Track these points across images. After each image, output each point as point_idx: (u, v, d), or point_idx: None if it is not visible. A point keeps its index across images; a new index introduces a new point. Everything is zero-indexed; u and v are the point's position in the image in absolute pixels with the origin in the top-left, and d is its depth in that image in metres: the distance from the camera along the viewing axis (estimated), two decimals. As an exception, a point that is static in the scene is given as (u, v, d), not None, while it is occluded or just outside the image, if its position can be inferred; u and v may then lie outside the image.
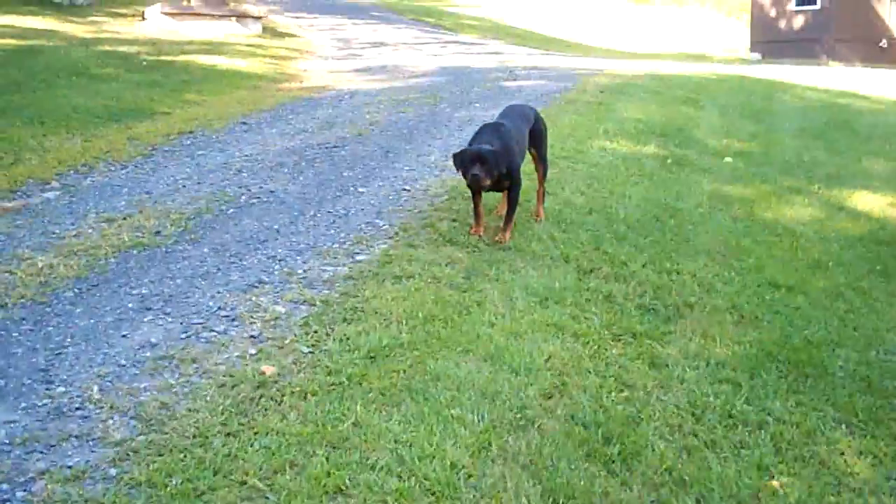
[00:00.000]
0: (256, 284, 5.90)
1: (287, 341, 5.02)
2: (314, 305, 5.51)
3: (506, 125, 6.99)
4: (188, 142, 10.65)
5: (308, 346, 4.96)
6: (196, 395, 4.42)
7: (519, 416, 4.50)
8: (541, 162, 7.58)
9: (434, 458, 4.03)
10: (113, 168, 9.29)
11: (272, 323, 5.27)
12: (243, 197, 8.08)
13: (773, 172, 10.88)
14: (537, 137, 7.47)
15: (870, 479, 4.41)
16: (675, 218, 8.17)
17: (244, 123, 12.02)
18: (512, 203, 6.93)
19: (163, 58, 17.96)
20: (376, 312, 5.40)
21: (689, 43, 39.29)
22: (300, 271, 6.11)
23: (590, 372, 5.04)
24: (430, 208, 7.58)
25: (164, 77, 15.85)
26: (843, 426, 4.87)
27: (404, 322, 5.30)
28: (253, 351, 4.90)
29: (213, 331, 5.18)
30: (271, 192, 8.24)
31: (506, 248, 6.73)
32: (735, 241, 7.82)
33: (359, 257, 6.37)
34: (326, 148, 10.11)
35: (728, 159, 11.17)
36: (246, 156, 9.80)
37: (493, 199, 7.46)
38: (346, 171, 9.02)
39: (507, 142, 6.76)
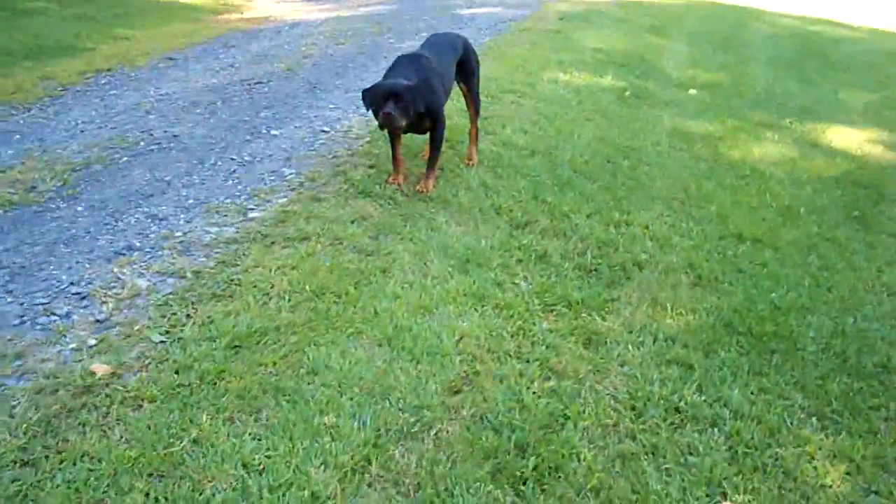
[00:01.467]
0: (125, 251, 4.96)
1: (137, 327, 4.09)
2: (183, 278, 4.58)
3: (426, 56, 6.01)
4: (104, 81, 9.62)
5: (161, 334, 4.04)
6: (1, 406, 3.46)
7: (413, 419, 3.60)
8: (472, 98, 6.62)
9: (291, 487, 3.12)
10: (14, 111, 8.26)
11: (127, 302, 4.34)
12: (142, 143, 7.10)
13: (742, 106, 9.97)
14: (467, 70, 6.49)
15: (845, 494, 3.51)
16: (630, 159, 7.26)
17: (171, 59, 10.97)
18: (435, 147, 5.99)
19: (100, -11, 16.78)
20: (254, 286, 4.48)
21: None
22: (179, 234, 5.16)
23: (510, 356, 4.13)
24: (346, 153, 6.63)
25: (97, 11, 14.73)
26: (814, 419, 4.00)
27: (286, 298, 4.39)
28: (92, 342, 3.97)
29: (55, 314, 4.24)
30: (175, 136, 7.24)
31: (428, 200, 5.81)
32: (696, 186, 6.91)
33: (251, 214, 5.43)
34: (249, 85, 9.11)
35: (693, 91, 10.23)
36: (162, 95, 8.79)
37: (419, 143, 6.46)
38: (263, 110, 8.02)
39: (426, 76, 5.79)
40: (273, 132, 7.26)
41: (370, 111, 5.70)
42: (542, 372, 4.10)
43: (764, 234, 6.19)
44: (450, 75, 6.24)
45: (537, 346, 4.29)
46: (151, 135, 7.27)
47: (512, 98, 8.51)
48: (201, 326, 4.09)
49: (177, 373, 3.74)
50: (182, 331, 4.06)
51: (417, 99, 5.56)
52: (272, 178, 6.13)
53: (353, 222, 5.34)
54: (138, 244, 5.06)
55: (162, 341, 3.99)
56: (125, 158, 6.66)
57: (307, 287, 4.48)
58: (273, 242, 5.01)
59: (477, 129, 6.67)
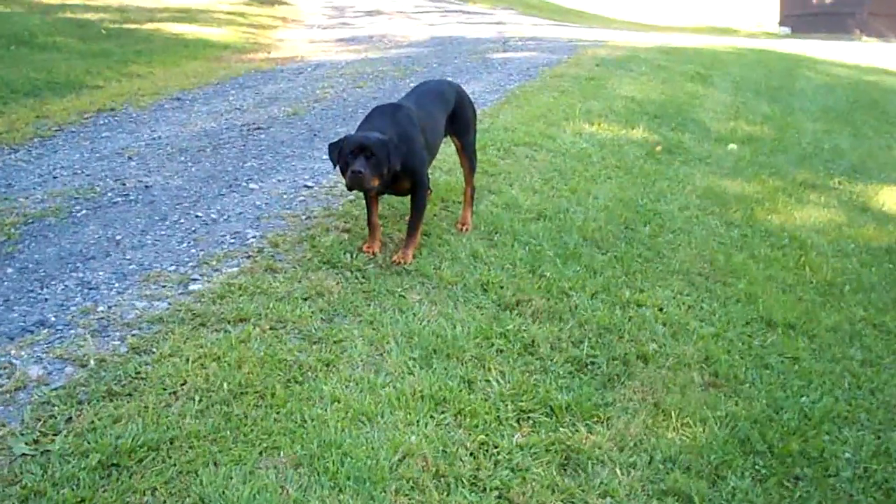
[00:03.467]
0: (34, 327, 4.24)
1: (2, 433, 3.28)
2: (84, 367, 3.82)
3: (406, 107, 5.22)
4: (103, 121, 9.04)
5: (27, 444, 3.27)
6: None
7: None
8: (466, 155, 5.83)
9: None
10: None
11: (6, 397, 3.58)
12: (110, 193, 6.43)
13: (785, 163, 9.06)
14: (460, 123, 5.71)
15: None
16: (651, 225, 6.40)
17: (178, 100, 10.40)
18: (416, 212, 5.21)
19: (127, 26, 16.42)
20: (162, 382, 3.70)
21: (717, 17, 37.17)
22: (102, 308, 4.43)
23: (462, 483, 3.31)
24: (323, 213, 5.86)
25: (118, 47, 14.27)
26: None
27: (196, 399, 3.60)
28: (-58, 452, 3.17)
29: (-85, 411, 3.46)
30: (147, 187, 6.57)
31: (404, 273, 5.03)
32: (724, 257, 6.05)
33: (192, 287, 4.67)
34: (247, 130, 8.44)
35: (732, 146, 9.34)
36: (153, 139, 8.17)
37: (407, 202, 5.66)
38: (251, 160, 7.32)
39: (405, 129, 5.02)
40: (251, 185, 6.53)
41: (336, 168, 4.91)
42: (499, 508, 3.23)
43: (799, 318, 5.32)
44: (437, 129, 5.45)
45: (500, 469, 3.45)
46: (123, 184, 6.61)
47: (526, 152, 7.71)
48: (77, 436, 3.31)
49: (24, 502, 2.93)
50: (53, 441, 3.27)
51: (392, 155, 4.78)
52: (232, 240, 5.38)
53: (305, 300, 4.56)
54: (53, 319, 4.34)
55: (25, 454, 3.20)
56: (84, 211, 6.00)
57: (225, 385, 3.69)
58: (203, 324, 4.24)
59: (473, 188, 5.87)
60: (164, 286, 4.71)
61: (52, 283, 4.83)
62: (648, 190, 7.24)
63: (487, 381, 4.06)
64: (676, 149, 8.81)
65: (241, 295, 4.54)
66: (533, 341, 4.47)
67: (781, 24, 33.44)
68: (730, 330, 5.00)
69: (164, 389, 3.66)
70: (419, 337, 4.30)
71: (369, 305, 4.60)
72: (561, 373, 4.23)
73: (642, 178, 7.55)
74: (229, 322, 4.26)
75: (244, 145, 7.90)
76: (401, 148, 4.86)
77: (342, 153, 4.78)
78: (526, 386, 4.05)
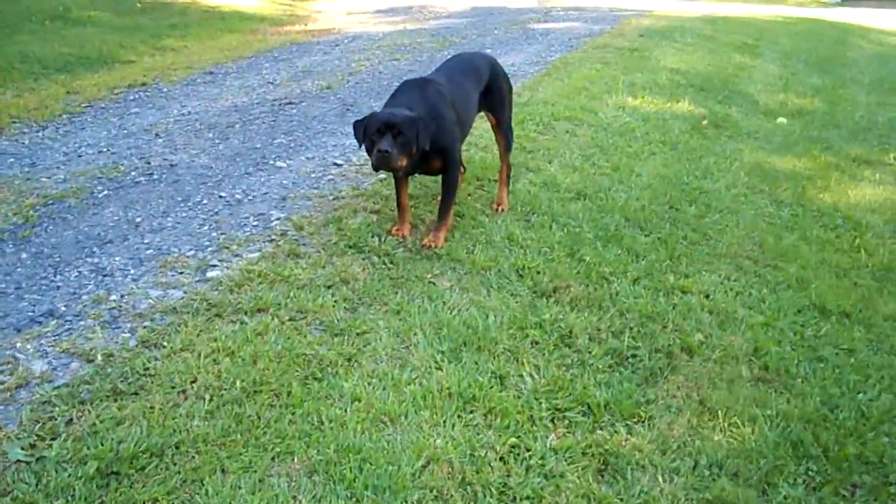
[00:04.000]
0: (42, 318, 4.03)
1: None
2: (90, 362, 3.59)
3: (436, 82, 4.93)
4: (133, 97, 8.85)
5: (23, 448, 3.04)
6: None
7: None
8: (502, 132, 5.53)
9: None
10: (27, 130, 7.55)
11: (6, 396, 3.36)
12: (133, 172, 6.22)
13: (838, 138, 8.66)
14: (495, 98, 5.41)
15: None
16: (696, 205, 6.07)
17: (210, 74, 10.19)
18: (448, 192, 4.93)
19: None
20: (171, 379, 3.47)
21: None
22: (115, 297, 4.21)
23: (491, 491, 3.03)
24: (351, 193, 5.61)
25: (152, 21, 14.09)
26: None
27: (207, 398, 3.35)
28: (-69, 454, 2.97)
29: None
30: (172, 165, 6.35)
31: (435, 257, 4.75)
32: (774, 239, 5.70)
33: (210, 273, 4.44)
34: (278, 105, 8.22)
35: (781, 120, 8.95)
36: (182, 115, 7.97)
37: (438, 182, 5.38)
38: (281, 136, 7.08)
39: (435, 106, 4.73)
40: (279, 164, 6.29)
41: (363, 148, 4.63)
42: (530, 522, 2.97)
43: (854, 305, 4.98)
44: (469, 105, 5.15)
45: (532, 476, 3.18)
46: (148, 163, 6.39)
47: (567, 126, 7.39)
48: (77, 440, 3.08)
49: (13, 517, 2.71)
50: (51, 446, 3.04)
51: (421, 133, 4.50)
52: (255, 223, 5.14)
53: (328, 288, 4.30)
54: (63, 308, 4.12)
55: (20, 460, 2.97)
56: (105, 192, 5.79)
57: (238, 382, 3.45)
58: (219, 315, 4.00)
59: (509, 167, 5.58)
60: (181, 273, 4.48)
61: (67, 269, 4.62)
62: (694, 167, 6.91)
63: (521, 376, 3.79)
64: (723, 123, 8.46)
65: (260, 283, 4.30)
66: (570, 332, 4.18)
67: (832, -9, 32.50)
68: (780, 319, 4.68)
69: (173, 388, 3.43)
70: (448, 328, 4.03)
71: (396, 293, 4.34)
72: (600, 367, 3.94)
73: (688, 155, 7.22)
74: (246, 313, 4.02)
75: (274, 121, 7.66)
76: (430, 126, 4.57)
77: (368, 131, 4.50)
78: (562, 381, 3.76)
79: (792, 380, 4.10)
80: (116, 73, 10.21)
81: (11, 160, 6.65)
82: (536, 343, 4.07)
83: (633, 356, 4.08)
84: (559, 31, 13.39)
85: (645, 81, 9.54)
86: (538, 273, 4.73)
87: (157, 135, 7.30)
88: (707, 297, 4.78)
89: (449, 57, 5.69)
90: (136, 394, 3.39)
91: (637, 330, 4.30)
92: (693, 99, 9.07)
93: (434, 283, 4.48)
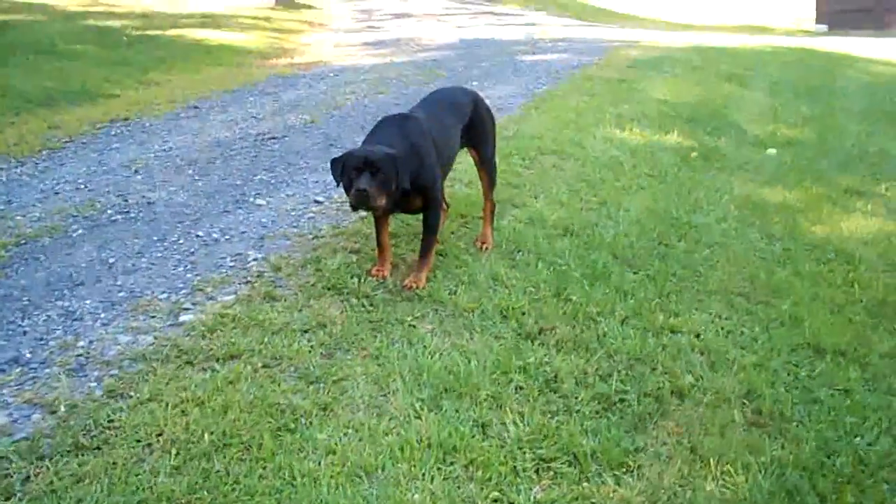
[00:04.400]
0: (6, 366, 3.88)
1: None
2: (53, 413, 3.44)
3: (416, 118, 4.79)
4: (115, 132, 8.73)
5: (-26, 513, 2.82)
6: None
7: None
8: (485, 168, 5.40)
9: None
10: (4, 166, 7.55)
11: (-39, 452, 3.16)
12: (110, 210, 6.08)
13: (829, 168, 8.57)
14: (477, 132, 5.28)
15: None
16: (686, 240, 5.94)
17: (195, 108, 10.07)
18: (429, 232, 4.79)
19: (150, 32, 16.16)
20: (136, 432, 3.30)
21: (754, 15, 36.34)
22: (83, 343, 4.07)
23: (469, 555, 2.83)
24: (331, 231, 5.47)
25: (138, 54, 14.00)
26: None
27: (173, 452, 3.19)
28: None
29: None
30: (149, 203, 6.21)
31: (416, 298, 4.61)
32: (766, 275, 5.58)
33: (182, 318, 4.29)
34: (261, 140, 8.09)
35: (771, 151, 8.85)
36: (163, 150, 7.84)
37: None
38: (262, 172, 6.95)
39: (415, 142, 4.60)
40: (259, 201, 6.16)
41: (340, 186, 4.49)
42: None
43: (849, 343, 4.84)
44: (451, 141, 5.03)
45: (513, 536, 2.98)
46: (126, 200, 6.26)
47: (553, 160, 7.27)
48: (33, 500, 2.91)
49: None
50: (3, 510, 2.86)
51: (401, 171, 4.36)
52: (232, 264, 5.00)
53: (305, 332, 4.15)
54: (28, 355, 3.98)
55: (-29, 525, 2.80)
56: (80, 231, 5.66)
57: (207, 435, 3.29)
58: (189, 362, 3.84)
59: (493, 203, 5.45)
60: (153, 317, 4.33)
61: (35, 312, 4.47)
62: (683, 200, 6.78)
63: (504, 423, 3.63)
64: (712, 155, 8.34)
65: (233, 328, 4.15)
66: (556, 376, 4.03)
67: (818, 21, 32.58)
68: (774, 358, 4.53)
69: (138, 441, 3.26)
70: (429, 374, 3.88)
71: (375, 337, 4.19)
72: (587, 412, 3.79)
73: (677, 188, 7.09)
74: (218, 360, 3.86)
75: (255, 156, 7.53)
76: (410, 163, 4.44)
77: (345, 169, 4.36)
78: (547, 429, 3.61)
79: (787, 424, 3.94)
80: (99, 108, 10.09)
81: (-13, 198, 6.50)
82: (521, 388, 3.92)
83: (622, 401, 3.92)
84: (547, 62, 13.32)
85: (633, 113, 9.44)
86: (523, 314, 4.58)
87: (136, 171, 7.17)
88: (698, 336, 4.64)
89: (431, 91, 5.56)
90: (98, 448, 3.22)
91: (625, 373, 4.15)
92: (682, 130, 8.96)
93: (415, 326, 4.33)
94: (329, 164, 4.56)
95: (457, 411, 3.65)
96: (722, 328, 4.79)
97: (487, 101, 5.61)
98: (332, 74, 12.55)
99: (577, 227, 5.83)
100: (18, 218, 5.98)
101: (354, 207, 4.42)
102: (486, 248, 5.33)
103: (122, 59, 13.51)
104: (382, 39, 17.48)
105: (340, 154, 4.57)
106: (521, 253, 5.36)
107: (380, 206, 4.37)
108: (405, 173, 4.38)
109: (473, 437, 3.50)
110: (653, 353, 4.37)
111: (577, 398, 3.89)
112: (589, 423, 3.71)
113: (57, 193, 6.62)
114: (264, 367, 3.84)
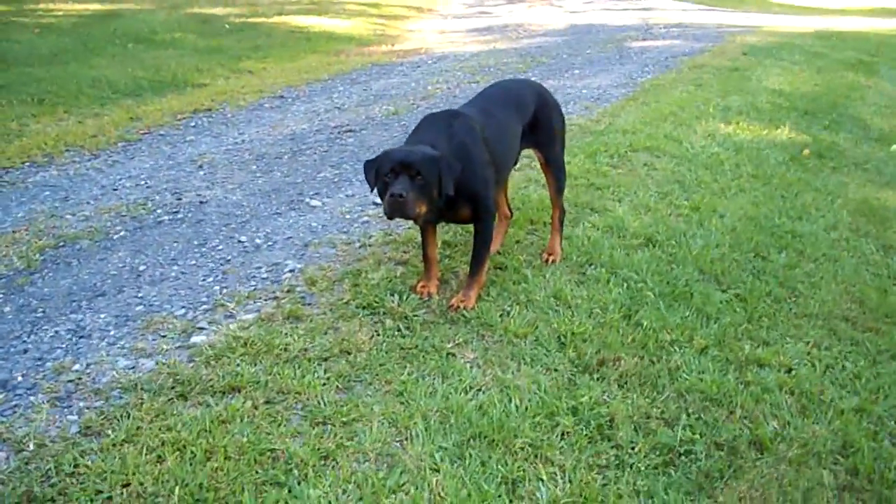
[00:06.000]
0: (-8, 391, 3.41)
1: None
2: (19, 452, 2.99)
3: (464, 115, 4.20)
4: (194, 123, 8.44)
5: None
6: None
7: None
8: (552, 171, 4.79)
9: None
10: (78, 159, 7.22)
11: None
12: (159, 210, 5.74)
13: (963, 170, 7.62)
14: (542, 132, 4.66)
15: None
16: (788, 251, 5.24)
17: (280, 98, 9.73)
18: (480, 245, 4.21)
19: (252, 20, 15.98)
20: (98, 482, 2.83)
21: (894, -3, 34.44)
22: (79, 367, 3.67)
23: None
24: (382, 238, 4.97)
25: (237, 42, 13.79)
26: None
27: (135, 514, 2.67)
28: None
29: None
30: (202, 202, 5.83)
31: (462, 321, 4.03)
32: (878, 296, 4.85)
33: (193, 339, 3.84)
34: (337, 133, 7.67)
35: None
36: (236, 144, 7.52)
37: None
38: (327, 169, 6.52)
39: (463, 143, 4.01)
40: (314, 202, 5.71)
41: (374, 191, 3.94)
42: None
43: (975, 385, 4.06)
44: (508, 142, 4.43)
45: None
46: (179, 199, 5.91)
47: (645, 158, 6.60)
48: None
49: None
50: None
51: (444, 175, 3.78)
52: (265, 275, 4.54)
53: (323, 361, 3.63)
54: (19, 379, 3.60)
55: None
56: (123, 233, 5.34)
57: (178, 489, 2.78)
58: (183, 394, 3.37)
59: (562, 211, 4.85)
60: (163, 336, 3.90)
61: (45, 328, 4.10)
62: (789, 205, 6.05)
63: (539, 480, 3.02)
64: (828, 152, 7.54)
65: (243, 354, 3.66)
66: (612, 420, 3.42)
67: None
68: (879, 402, 3.83)
69: (98, 494, 2.80)
70: (458, 415, 3.32)
71: (404, 368, 3.64)
72: (642, 468, 3.18)
73: (782, 190, 6.34)
74: (216, 393, 3.38)
75: (326, 151, 7.09)
76: (455, 167, 3.85)
77: (380, 172, 3.80)
78: (590, 490, 3.02)
79: (888, 490, 3.25)
80: (185, 98, 9.83)
81: (47, 193, 6.26)
82: (566, 435, 3.33)
83: (688, 453, 3.30)
84: (657, 49, 12.58)
85: (742, 105, 8.67)
86: (584, 341, 3.97)
87: (200, 166, 6.82)
88: (789, 371, 3.97)
89: (490, 84, 4.97)
90: (51, 501, 2.76)
91: (696, 417, 3.52)
92: (795, 124, 8.16)
93: (453, 355, 3.77)
94: (363, 167, 4.01)
95: (483, 464, 3.07)
96: (819, 361, 4.10)
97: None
98: (429, 62, 12.08)
99: (662, 237, 5.18)
100: (68, 217, 5.68)
101: (390, 216, 3.86)
102: (553, 261, 4.74)
103: (218, 48, 13.32)
104: (490, 25, 16.95)
105: (374, 156, 4.01)
106: (592, 267, 4.75)
107: (418, 214, 3.82)
108: (449, 178, 3.81)
109: (499, 496, 2.91)
110: (732, 392, 3.72)
111: (633, 449, 3.27)
112: (643, 482, 3.10)
113: (115, 190, 6.30)
114: (266, 402, 3.34)
